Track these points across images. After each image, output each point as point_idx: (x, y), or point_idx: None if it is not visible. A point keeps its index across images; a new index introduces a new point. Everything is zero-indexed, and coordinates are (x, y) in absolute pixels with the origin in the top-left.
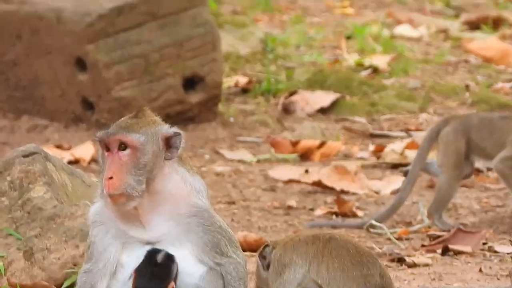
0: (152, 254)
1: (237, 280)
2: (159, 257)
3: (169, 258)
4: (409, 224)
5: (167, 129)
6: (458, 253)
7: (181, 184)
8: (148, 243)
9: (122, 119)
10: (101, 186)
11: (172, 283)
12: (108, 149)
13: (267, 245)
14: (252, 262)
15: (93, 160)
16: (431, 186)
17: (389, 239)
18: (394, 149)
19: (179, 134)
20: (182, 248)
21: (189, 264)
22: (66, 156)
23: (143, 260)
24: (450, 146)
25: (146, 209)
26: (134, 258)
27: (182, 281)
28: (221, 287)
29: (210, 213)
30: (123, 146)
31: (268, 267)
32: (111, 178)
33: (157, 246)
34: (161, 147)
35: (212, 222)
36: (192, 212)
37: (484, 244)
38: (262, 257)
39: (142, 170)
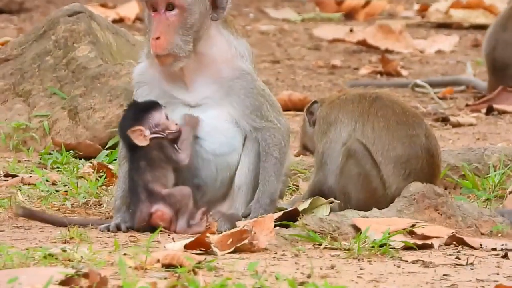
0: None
1: (272, 146)
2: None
3: (152, 106)
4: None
5: None
6: (502, 112)
7: (226, 47)
8: (190, 105)
9: None
10: (147, 46)
11: (141, 128)
12: (154, 9)
13: (315, 102)
14: (296, 121)
15: (138, 18)
16: (476, 45)
17: (433, 98)
18: (438, 8)
19: None
20: (222, 110)
21: (226, 125)
22: (111, 14)
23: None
24: None
25: (190, 71)
26: (177, 118)
27: (217, 141)
28: (257, 155)
29: (253, 77)
30: (170, 6)
31: (314, 123)
32: (158, 38)
33: (199, 108)
34: (208, 7)
35: (255, 85)
36: (235, 75)
37: None
38: (310, 113)
39: (189, 30)
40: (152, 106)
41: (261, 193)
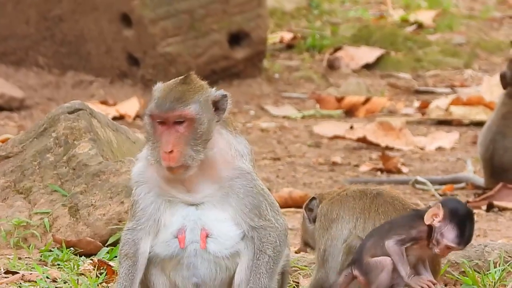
0: None
1: (266, 244)
2: None
3: None
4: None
5: (215, 93)
6: (503, 209)
7: (226, 148)
8: (191, 204)
9: (170, 87)
10: (153, 154)
11: None
12: (162, 122)
13: (313, 198)
14: (297, 218)
15: (138, 116)
16: (476, 142)
17: (434, 195)
18: (439, 105)
19: (226, 96)
20: (223, 210)
21: (228, 227)
22: (111, 112)
23: None
24: None
25: (192, 174)
26: (179, 217)
27: (219, 243)
28: (254, 249)
29: (252, 176)
30: (179, 119)
31: (314, 220)
32: (171, 152)
33: (200, 207)
34: (212, 112)
35: (255, 184)
36: (235, 174)
37: None
38: (309, 209)
39: (200, 140)
40: None
41: None
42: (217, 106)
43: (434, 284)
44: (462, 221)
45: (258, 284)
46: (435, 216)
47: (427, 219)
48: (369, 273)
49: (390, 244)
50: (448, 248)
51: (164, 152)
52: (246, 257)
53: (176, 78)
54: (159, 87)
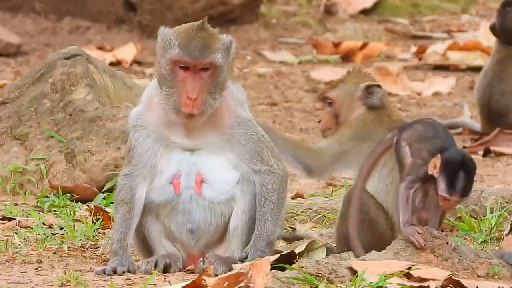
0: None
1: (271, 192)
2: None
3: None
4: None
5: (226, 38)
6: (499, 154)
7: (228, 96)
8: (188, 149)
9: (191, 33)
10: (169, 99)
11: None
12: (185, 67)
13: (379, 85)
14: None
15: (135, 61)
16: (473, 87)
17: None
18: (436, 51)
19: (232, 41)
20: (221, 156)
21: (223, 172)
22: (108, 57)
23: None
24: None
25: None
26: (174, 163)
27: (214, 188)
28: (253, 197)
29: (253, 123)
30: (208, 66)
31: (370, 107)
32: (196, 99)
33: (195, 154)
34: (229, 59)
35: (256, 131)
36: (236, 122)
37: None
38: (368, 90)
39: (219, 87)
40: None
41: (257, 237)
42: (229, 52)
43: (421, 247)
44: (456, 171)
45: (264, 231)
46: (434, 167)
47: (429, 169)
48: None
49: (402, 186)
50: (445, 200)
51: (187, 98)
52: (242, 201)
53: (190, 24)
54: (175, 32)
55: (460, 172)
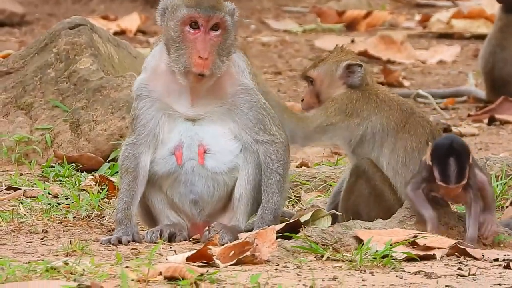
0: None
1: (276, 163)
2: None
3: None
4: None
5: (230, 6)
6: (504, 122)
7: (230, 65)
8: (190, 119)
9: None
10: (179, 60)
11: None
12: (195, 26)
13: (360, 65)
14: None
15: (140, 31)
16: (477, 55)
17: (435, 109)
18: (440, 19)
19: (235, 9)
20: (223, 125)
21: (226, 141)
22: (112, 27)
23: None
24: None
25: (197, 87)
26: (176, 134)
27: (217, 158)
28: (256, 166)
29: (255, 91)
30: (216, 26)
31: (350, 85)
32: (207, 58)
33: (199, 123)
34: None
35: (258, 99)
36: (239, 90)
37: None
38: (348, 69)
39: (227, 50)
40: None
41: (265, 209)
42: (233, 19)
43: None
44: (446, 158)
45: (272, 203)
46: (429, 156)
47: (427, 160)
48: None
49: (408, 190)
50: (443, 188)
51: (199, 58)
52: (245, 170)
53: None
54: None
55: (450, 158)
